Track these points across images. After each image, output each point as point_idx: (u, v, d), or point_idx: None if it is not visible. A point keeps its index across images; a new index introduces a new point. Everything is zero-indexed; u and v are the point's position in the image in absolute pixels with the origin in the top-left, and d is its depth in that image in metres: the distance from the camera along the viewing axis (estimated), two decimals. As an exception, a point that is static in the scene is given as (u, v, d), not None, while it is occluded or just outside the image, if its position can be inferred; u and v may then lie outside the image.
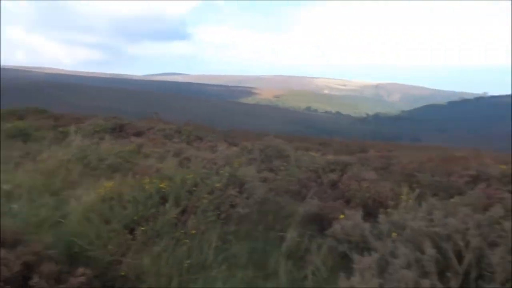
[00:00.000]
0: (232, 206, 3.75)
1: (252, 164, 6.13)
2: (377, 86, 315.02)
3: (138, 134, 11.77)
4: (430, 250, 2.61)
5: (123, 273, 3.04)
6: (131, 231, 3.48)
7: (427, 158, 8.87)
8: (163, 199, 3.74)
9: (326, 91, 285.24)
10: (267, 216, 3.97)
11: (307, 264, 3.16)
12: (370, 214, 4.25)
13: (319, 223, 3.90)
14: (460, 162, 7.30)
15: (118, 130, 11.92)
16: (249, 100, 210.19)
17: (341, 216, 3.39)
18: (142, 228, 3.39)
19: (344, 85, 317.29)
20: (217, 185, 3.78)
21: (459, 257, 2.98)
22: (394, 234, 3.16)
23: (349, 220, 3.25)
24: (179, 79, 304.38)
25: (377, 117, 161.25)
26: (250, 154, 7.79)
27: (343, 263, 3.07)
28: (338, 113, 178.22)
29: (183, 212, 3.55)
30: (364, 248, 3.08)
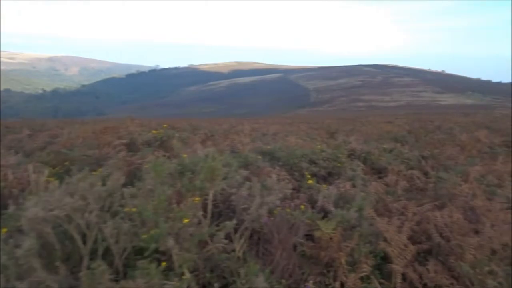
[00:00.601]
0: None
1: None
2: (51, 59, 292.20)
3: None
4: (28, 242, 2.19)
5: None
6: None
7: (91, 131, 8.54)
8: None
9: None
10: None
11: None
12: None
13: None
14: (116, 132, 7.35)
15: None
16: None
17: None
18: None
19: (11, 58, 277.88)
20: None
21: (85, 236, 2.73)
22: (4, 231, 2.58)
23: None
24: None
25: (56, 93, 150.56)
26: None
27: None
28: (7, 90, 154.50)
29: None
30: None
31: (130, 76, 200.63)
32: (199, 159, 3.07)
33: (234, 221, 2.54)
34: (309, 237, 2.86)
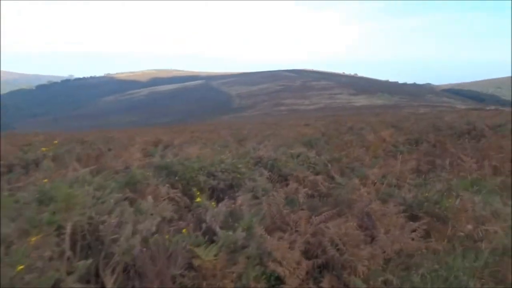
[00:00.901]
0: None
1: None
2: None
3: None
4: None
5: None
6: None
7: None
8: None
9: None
10: None
11: None
12: None
13: None
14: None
15: None
16: None
17: None
18: None
19: None
20: None
21: None
22: None
23: None
24: None
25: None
26: None
27: None
28: None
29: None
30: None
31: (41, 87, 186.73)
32: (59, 185, 2.59)
33: (90, 260, 2.12)
34: (191, 265, 2.52)
